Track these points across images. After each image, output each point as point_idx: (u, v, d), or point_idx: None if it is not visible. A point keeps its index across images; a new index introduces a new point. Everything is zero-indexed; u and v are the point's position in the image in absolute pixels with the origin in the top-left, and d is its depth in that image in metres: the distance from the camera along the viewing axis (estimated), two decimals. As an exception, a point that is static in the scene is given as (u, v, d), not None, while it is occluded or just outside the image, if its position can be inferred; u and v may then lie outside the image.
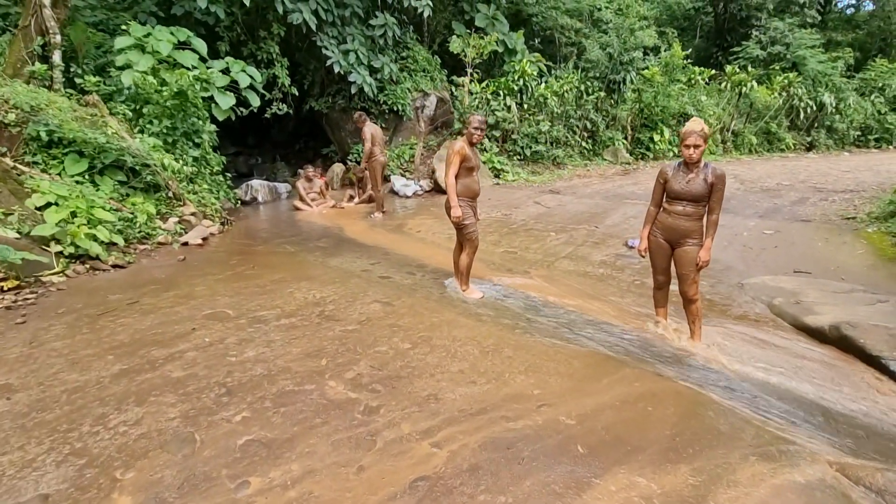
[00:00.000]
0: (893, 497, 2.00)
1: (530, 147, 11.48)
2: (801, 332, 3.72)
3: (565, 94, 11.79)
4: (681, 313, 3.55)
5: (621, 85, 12.19)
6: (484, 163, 10.59)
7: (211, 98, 7.19)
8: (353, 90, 10.05)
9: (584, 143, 12.53)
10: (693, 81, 13.55)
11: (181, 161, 6.16)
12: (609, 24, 12.23)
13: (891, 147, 18.23)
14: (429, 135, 11.77)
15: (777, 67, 15.04)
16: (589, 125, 12.48)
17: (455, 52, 12.03)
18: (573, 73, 12.23)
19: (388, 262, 5.15)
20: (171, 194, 5.97)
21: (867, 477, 2.11)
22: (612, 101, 12.54)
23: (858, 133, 17.42)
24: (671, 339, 3.45)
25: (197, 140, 6.76)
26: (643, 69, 12.44)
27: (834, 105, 15.91)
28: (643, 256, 3.48)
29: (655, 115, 13.13)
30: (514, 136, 11.44)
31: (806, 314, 3.81)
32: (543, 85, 11.63)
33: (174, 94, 6.32)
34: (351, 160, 11.08)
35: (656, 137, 13.25)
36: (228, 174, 7.53)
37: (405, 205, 8.68)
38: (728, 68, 13.97)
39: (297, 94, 9.71)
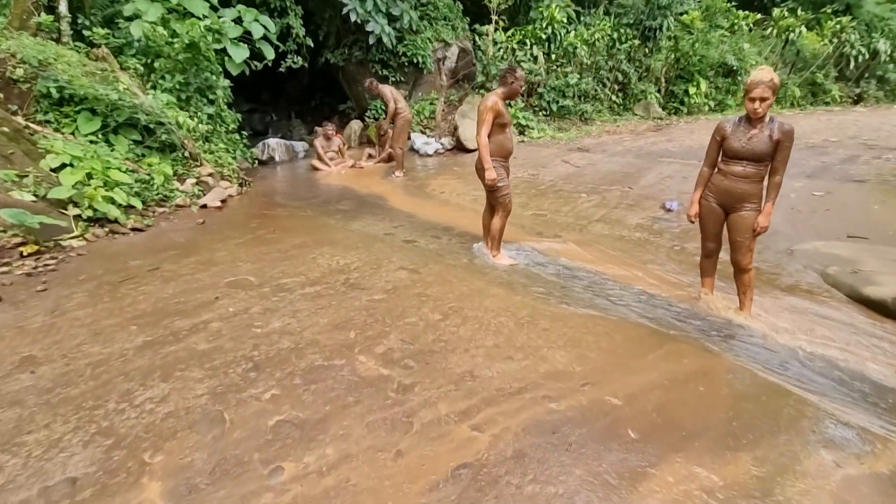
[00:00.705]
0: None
1: (557, 101, 10.87)
2: (859, 305, 3.45)
3: (596, 43, 11.00)
4: (728, 285, 3.31)
5: (657, 32, 11.30)
6: (507, 119, 10.09)
7: (224, 51, 6.85)
8: (371, 40, 9.50)
9: (613, 97, 11.82)
10: (736, 27, 12.48)
11: (196, 119, 5.93)
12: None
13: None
14: (450, 89, 11.22)
15: (829, 10, 13.73)
16: (620, 77, 11.72)
17: (477, -2, 11.27)
18: (605, 19, 11.34)
19: (411, 225, 4.95)
20: (187, 154, 5.79)
21: (953, 472, 1.92)
22: (647, 51, 11.68)
23: (915, 84, 16.07)
24: (719, 310, 3.22)
25: (211, 96, 6.49)
26: (682, 14, 11.46)
27: (889, 53, 14.60)
28: (693, 222, 3.19)
29: (692, 66, 12.24)
30: (539, 90, 10.81)
31: (865, 285, 3.51)
32: (573, 33, 10.84)
33: (186, 46, 6.00)
34: (369, 117, 10.68)
35: (692, 90, 12.41)
36: (244, 132, 7.28)
37: (426, 164, 8.36)
38: (775, 12, 12.80)
39: (312, 45, 9.24)
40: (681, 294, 3.48)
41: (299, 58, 9.19)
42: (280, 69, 9.04)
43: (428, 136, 9.71)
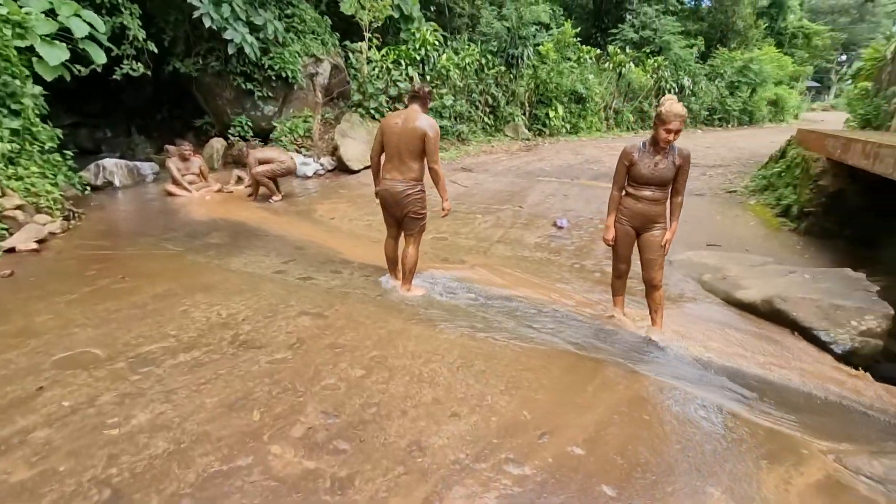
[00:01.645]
0: (894, 485, 2.01)
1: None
2: (734, 307, 3.89)
3: (467, 67, 11.43)
4: (634, 301, 3.45)
5: (519, 60, 12.19)
6: (389, 138, 9.84)
7: (32, 50, 5.38)
8: (231, 50, 8.48)
9: (485, 119, 12.39)
10: (582, 60, 14.13)
11: (-8, 135, 4.49)
12: (506, -4, 12.09)
13: (730, 126, 21.34)
14: (324, 106, 10.60)
15: (647, 51, 16.41)
16: (490, 100, 12.34)
17: (347, 14, 10.90)
18: (472, 45, 11.88)
19: (304, 259, 4.34)
20: (-21, 182, 4.33)
21: (865, 466, 2.11)
22: (511, 76, 12.52)
23: (707, 113, 20.03)
24: (632, 327, 3.32)
25: (15, 106, 5.01)
26: (538, 45, 12.56)
27: (690, 88, 17.98)
28: (610, 245, 3.25)
29: (550, 92, 13.47)
30: (417, 110, 10.79)
31: (736, 289, 3.98)
32: (444, 56, 11.11)
33: (-31, 40, 4.54)
34: (233, 134, 9.51)
35: (552, 114, 13.65)
36: (68, 152, 5.79)
37: (306, 186, 7.66)
38: (610, 49, 14.85)
39: (156, 51, 7.90)
40: (593, 312, 3.54)
41: (139, 64, 7.78)
42: (115, 76, 7.55)
43: (305, 157, 8.96)
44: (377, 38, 10.20)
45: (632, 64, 15.11)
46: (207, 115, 10.41)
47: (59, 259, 3.97)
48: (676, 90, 17.53)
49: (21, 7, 5.05)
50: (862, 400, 2.71)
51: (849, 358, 3.18)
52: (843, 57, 48.23)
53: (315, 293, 3.57)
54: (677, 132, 2.77)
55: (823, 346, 3.26)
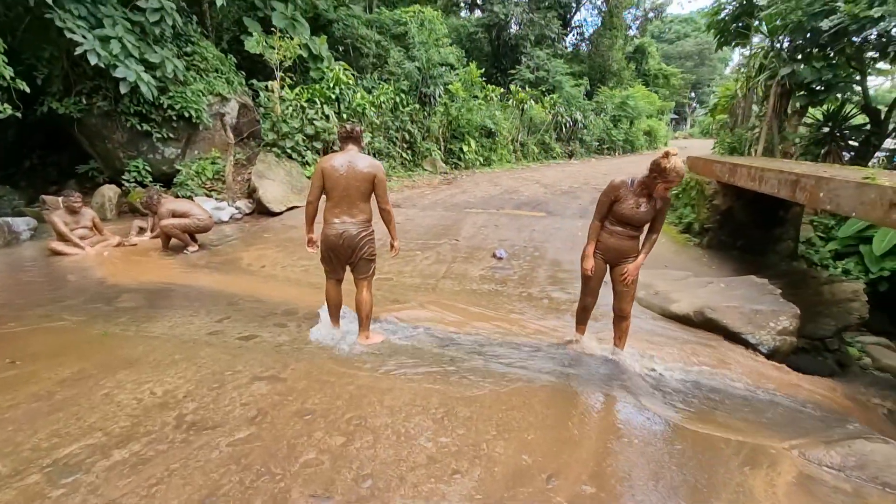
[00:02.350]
0: (852, 471, 2.25)
1: (354, 159, 10.83)
2: (669, 320, 4.23)
3: (382, 105, 11.55)
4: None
5: (432, 98, 12.62)
6: (308, 177, 9.50)
7: None
8: (124, 89, 7.69)
9: (404, 154, 12.54)
10: (488, 98, 15.03)
11: None
12: (415, 39, 12.51)
13: (616, 154, 23.93)
14: (228, 146, 9.99)
15: (543, 89, 17.98)
16: (407, 136, 12.55)
17: (253, 53, 10.54)
18: (385, 84, 12.09)
19: (241, 315, 3.92)
20: None
21: (825, 457, 2.35)
22: (425, 113, 12.89)
23: (597, 143, 22.29)
24: (597, 350, 3.43)
25: None
26: (448, 84, 13.14)
27: (582, 122, 19.94)
28: (589, 276, 3.28)
29: (462, 128, 14.07)
30: (334, 148, 10.60)
31: (669, 303, 4.34)
32: (359, 94, 11.14)
33: None
34: (128, 180, 8.52)
35: (465, 148, 14.22)
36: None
37: (224, 233, 7.03)
38: (513, 87, 16.02)
39: (27, 90, 6.89)
40: (553, 340, 3.61)
41: (6, 105, 6.72)
42: (-27, 119, 6.43)
43: (217, 200, 8.28)
44: (290, 78, 9.94)
45: (532, 101, 16.39)
46: (94, 159, 9.24)
47: (-87, 347, 3.14)
48: (571, 123, 19.32)
49: None
50: (798, 396, 3.05)
51: (772, 356, 3.60)
52: (693, 94, 57.39)
53: (263, 353, 3.22)
54: (673, 186, 2.91)
55: (752, 347, 3.65)
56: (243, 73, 10.62)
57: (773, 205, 5.53)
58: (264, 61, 11.16)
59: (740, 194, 5.69)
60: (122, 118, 8.43)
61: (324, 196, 3.25)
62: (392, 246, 3.60)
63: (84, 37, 7.20)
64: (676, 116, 56.08)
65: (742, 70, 12.80)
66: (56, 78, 8.24)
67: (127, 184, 8.51)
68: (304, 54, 11.13)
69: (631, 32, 30.86)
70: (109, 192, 8.18)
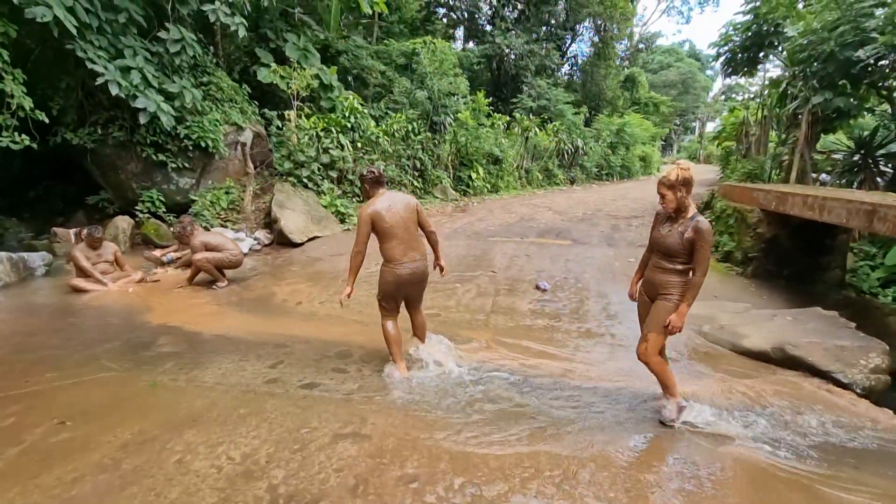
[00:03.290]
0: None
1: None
2: (744, 357, 4.03)
3: (395, 134, 11.52)
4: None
5: (443, 126, 12.65)
6: (325, 206, 9.32)
7: None
8: (144, 119, 7.51)
9: (415, 182, 12.44)
10: (495, 125, 15.13)
11: None
12: (426, 68, 12.62)
13: (614, 179, 24.21)
14: (245, 176, 9.80)
15: (545, 117, 18.22)
16: (418, 164, 12.49)
17: (264, 83, 10.52)
18: (396, 113, 12.09)
19: (294, 359, 3.64)
20: None
21: None
22: (435, 141, 12.88)
23: (597, 169, 22.54)
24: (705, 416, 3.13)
25: None
26: (457, 112, 13.20)
27: (583, 149, 20.19)
28: (634, 300, 3.12)
29: (471, 155, 14.08)
30: (349, 177, 10.47)
31: (739, 338, 4.16)
32: (373, 123, 11.10)
33: None
34: (142, 211, 8.24)
35: (474, 175, 14.20)
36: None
37: (246, 265, 6.73)
38: (517, 115, 16.18)
39: (46, 121, 6.66)
40: (639, 385, 3.38)
41: (24, 137, 6.49)
42: (-11, 151, 6.18)
43: (234, 231, 8.02)
44: (309, 107, 9.88)
45: (537, 129, 16.55)
46: (105, 189, 8.96)
47: (-57, 405, 2.80)
48: (573, 150, 19.54)
49: None
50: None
51: (867, 396, 3.40)
52: (677, 121, 59.05)
53: (334, 405, 2.94)
54: (662, 197, 2.70)
55: (844, 386, 3.46)
56: (256, 102, 10.55)
57: (819, 233, 5.45)
58: (275, 91, 11.15)
59: (786, 222, 5.61)
60: (137, 148, 8.22)
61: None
62: (441, 267, 3.60)
63: (105, 67, 7.04)
64: (664, 142, 57.53)
65: (748, 99, 13.08)
66: (70, 108, 8.04)
67: (140, 214, 8.23)
68: (315, 84, 11.13)
69: (618, 62, 31.73)
70: (123, 223, 7.89)
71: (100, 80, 7.02)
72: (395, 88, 14.58)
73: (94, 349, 3.71)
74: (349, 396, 3.08)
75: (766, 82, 9.59)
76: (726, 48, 10.56)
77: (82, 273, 5.35)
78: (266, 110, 10.57)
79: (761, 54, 9.51)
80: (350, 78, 13.93)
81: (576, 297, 5.34)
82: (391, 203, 3.25)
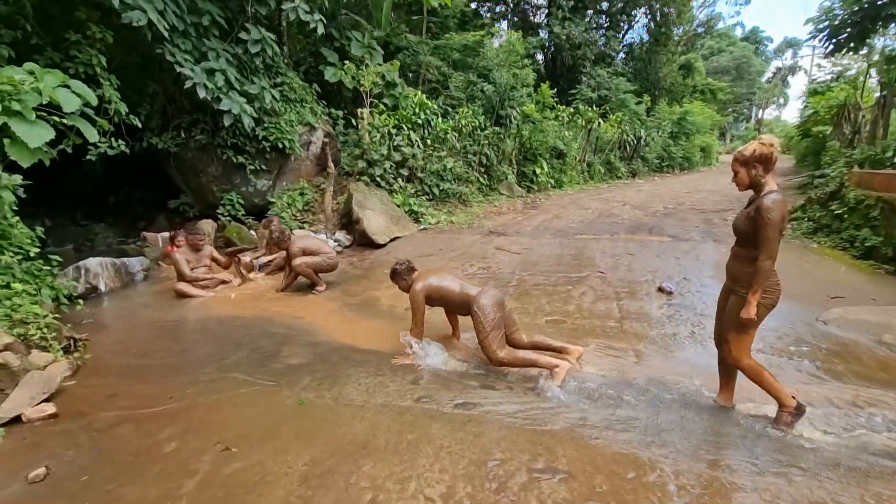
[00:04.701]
0: None
1: (438, 185, 10.39)
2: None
3: (463, 129, 11.15)
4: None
5: (508, 120, 12.19)
6: (399, 206, 9.06)
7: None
8: (228, 121, 7.46)
9: (481, 179, 12.04)
10: (559, 118, 14.51)
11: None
12: (491, 60, 12.19)
13: (675, 171, 22.97)
14: (317, 176, 9.71)
15: (607, 107, 17.38)
16: (484, 160, 12.08)
17: (331, 82, 10.39)
18: (465, 107, 11.72)
19: (433, 374, 3.31)
20: (-51, 317, 2.93)
21: None
22: (500, 136, 12.42)
23: (658, 161, 21.42)
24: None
25: (-11, 203, 3.68)
26: (522, 105, 12.70)
27: (645, 139, 19.18)
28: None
29: (535, 149, 13.54)
30: (420, 175, 10.19)
31: (940, 351, 3.50)
32: (441, 119, 10.78)
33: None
34: (223, 215, 8.25)
35: (538, 170, 13.65)
36: (54, 257, 4.39)
37: (335, 268, 6.53)
38: (581, 107, 15.48)
39: (139, 125, 6.68)
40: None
41: (120, 142, 6.52)
42: (89, 156, 6.24)
43: (314, 233, 7.87)
44: (384, 105, 9.67)
45: (601, 120, 15.79)
46: (185, 193, 9.07)
47: (96, 429, 2.61)
48: (634, 141, 18.59)
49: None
50: None
51: None
52: (729, 108, 55.81)
53: (506, 431, 2.57)
54: (735, 174, 2.50)
55: None
56: (323, 102, 10.45)
57: None
58: (337, 90, 11.03)
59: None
60: (217, 151, 8.23)
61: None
62: None
63: (192, 70, 7.01)
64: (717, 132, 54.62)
65: (851, 78, 11.84)
66: (155, 113, 8.13)
67: (222, 218, 8.23)
68: (380, 82, 10.91)
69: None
70: (207, 226, 7.89)
71: (188, 84, 7.00)
72: (451, 84, 14.24)
73: (222, 361, 3.51)
74: (514, 419, 2.70)
75: (881, 58, 8.53)
76: (826, 23, 9.55)
77: (182, 277, 5.27)
78: (332, 110, 10.48)
79: (877, 26, 8.48)
80: (410, 74, 13.70)
81: (709, 300, 4.75)
82: (445, 277, 3.69)
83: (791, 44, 59.73)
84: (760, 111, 54.26)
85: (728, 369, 2.79)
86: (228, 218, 8.27)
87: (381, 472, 2.20)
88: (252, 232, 8.32)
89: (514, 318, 3.51)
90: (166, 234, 8.08)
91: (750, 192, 2.56)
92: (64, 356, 3.44)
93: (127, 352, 3.74)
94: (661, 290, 5.07)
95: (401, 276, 3.75)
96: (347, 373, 3.31)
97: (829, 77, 15.60)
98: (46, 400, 2.85)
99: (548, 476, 2.18)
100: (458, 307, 3.56)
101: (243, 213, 8.47)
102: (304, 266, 5.16)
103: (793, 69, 58.89)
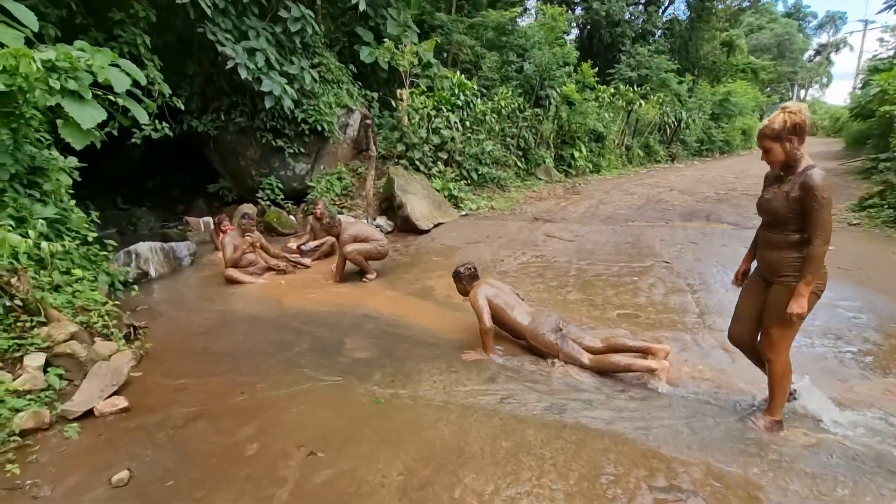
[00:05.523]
0: None
1: (476, 170, 10.07)
2: None
3: (502, 111, 10.74)
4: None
5: (549, 101, 11.70)
6: (439, 191, 8.79)
7: (52, 110, 3.98)
8: (270, 103, 7.28)
9: (518, 163, 11.64)
10: (600, 99, 13.90)
11: (30, 230, 3.02)
12: (531, 39, 11.67)
13: (715, 154, 21.98)
14: (353, 160, 9.50)
15: (648, 88, 16.60)
16: (522, 143, 11.66)
17: (367, 63, 10.07)
18: (505, 87, 11.29)
19: (510, 371, 3.08)
20: (16, 303, 2.83)
21: None
22: (539, 119, 11.96)
23: (697, 144, 20.50)
24: None
25: (48, 186, 3.57)
26: (562, 85, 12.16)
27: (686, 121, 18.32)
28: (739, 285, 2.69)
29: (574, 132, 13.03)
30: (457, 158, 9.87)
31: None
32: (480, 101, 10.38)
33: (-9, 97, 3.14)
34: (262, 198, 8.14)
35: (576, 154, 13.15)
36: (109, 241, 4.31)
37: (380, 255, 6.34)
38: (622, 87, 14.80)
39: (182, 108, 6.55)
40: None
41: (164, 124, 6.41)
42: (135, 139, 6.15)
43: (355, 218, 7.69)
44: (426, 85, 9.34)
45: (642, 101, 15.08)
46: (224, 177, 8.99)
47: (171, 426, 2.47)
48: (675, 124, 17.78)
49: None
50: None
51: None
52: (768, 89, 53.10)
53: (609, 441, 2.32)
54: (766, 151, 2.19)
55: None
56: (359, 83, 10.17)
57: None
58: (374, 71, 10.72)
59: None
60: (256, 134, 8.09)
61: None
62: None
63: (234, 50, 6.83)
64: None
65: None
66: (194, 95, 8.01)
67: (262, 202, 8.13)
68: (416, 62, 10.56)
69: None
70: (248, 209, 7.76)
71: (230, 64, 6.83)
72: (483, 64, 13.76)
73: (285, 353, 3.36)
74: (613, 426, 2.45)
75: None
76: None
77: (231, 263, 5.14)
78: (367, 91, 10.21)
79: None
80: (444, 55, 13.27)
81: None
82: (503, 288, 3.59)
83: (833, 18, 56.30)
84: (803, 91, 51.44)
85: (758, 362, 2.60)
86: (268, 202, 8.15)
87: (484, 486, 1.98)
88: (291, 217, 8.21)
89: (577, 332, 3.29)
90: (208, 219, 8.05)
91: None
92: (126, 345, 3.34)
93: (187, 341, 3.62)
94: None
95: (462, 279, 3.58)
96: (418, 368, 3.11)
97: (892, 52, 14.49)
98: (115, 392, 2.74)
99: (674, 498, 1.93)
100: (509, 330, 3.39)
101: (282, 197, 8.35)
102: (355, 253, 4.97)
103: (837, 45, 55.58)
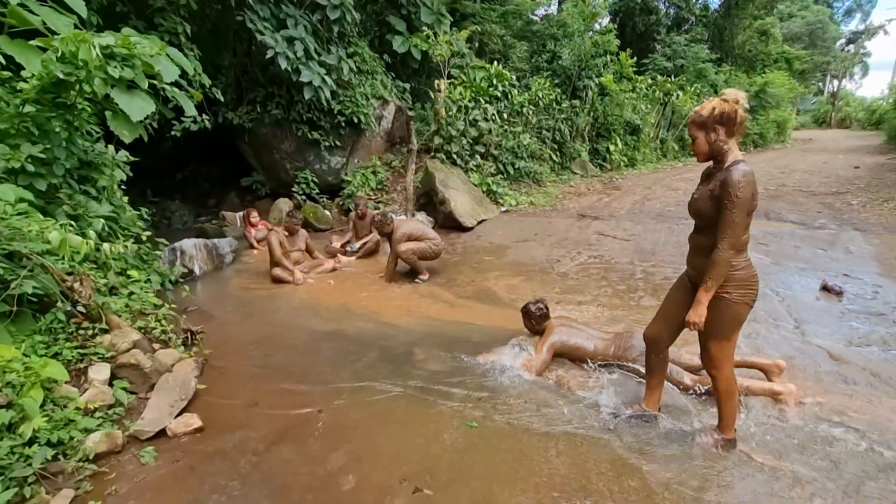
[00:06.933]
0: None
1: (513, 163, 9.72)
2: None
3: (540, 103, 10.34)
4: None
5: (586, 92, 11.26)
6: (477, 185, 8.48)
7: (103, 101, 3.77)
8: (309, 94, 7.03)
9: (553, 157, 11.24)
10: (638, 90, 13.38)
11: (90, 230, 2.80)
12: (569, 26, 11.21)
13: (750, 148, 21.19)
14: (386, 153, 9.23)
15: (684, 78, 15.96)
16: (558, 136, 11.26)
17: (399, 53, 9.76)
18: (543, 77, 10.88)
19: (621, 388, 2.79)
20: (78, 309, 2.62)
21: None
22: (575, 111, 11.52)
23: (732, 137, 19.76)
24: None
25: (103, 181, 3.37)
26: (600, 75, 11.69)
27: (720, 113, 17.62)
28: None
29: (610, 125, 12.56)
30: (494, 151, 9.53)
31: None
32: (516, 91, 10.00)
33: (43, 84, 2.93)
34: (298, 193, 7.93)
35: (612, 147, 12.69)
36: (161, 240, 4.12)
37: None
38: (658, 78, 14.23)
39: (221, 99, 6.34)
40: None
41: (205, 116, 6.20)
42: (175, 132, 5.97)
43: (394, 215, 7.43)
44: (464, 75, 9.01)
45: (679, 91, 14.50)
46: (257, 171, 8.81)
47: (252, 451, 2.23)
48: (712, 116, 17.08)
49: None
50: None
51: None
52: (797, 79, 51.12)
53: (750, 481, 2.02)
54: (693, 140, 2.00)
55: None
56: (392, 74, 9.88)
57: None
58: (406, 61, 10.40)
59: None
60: (292, 126, 7.86)
61: None
62: None
63: (273, 39, 6.58)
64: (783, 106, 50.47)
65: None
66: (229, 87, 7.81)
67: (298, 196, 7.92)
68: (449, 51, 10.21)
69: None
70: (285, 206, 7.59)
71: (269, 54, 6.59)
72: (513, 55, 13.33)
73: (354, 363, 3.12)
74: (710, 461, 2.14)
75: None
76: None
77: (277, 262, 4.93)
78: (399, 82, 9.92)
79: None
80: (476, 44, 12.89)
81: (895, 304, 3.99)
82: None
83: (861, 3, 53.89)
84: (836, 82, 49.48)
85: (657, 369, 2.42)
86: (303, 196, 7.95)
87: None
88: (327, 212, 7.99)
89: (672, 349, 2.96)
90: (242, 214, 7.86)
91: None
92: (185, 351, 3.13)
93: (246, 348, 3.40)
94: (826, 289, 4.31)
95: (532, 318, 3.20)
96: (503, 385, 2.83)
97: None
98: (184, 408, 2.52)
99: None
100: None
101: (317, 191, 8.13)
102: (409, 253, 4.70)
103: (871, 32, 53.30)
